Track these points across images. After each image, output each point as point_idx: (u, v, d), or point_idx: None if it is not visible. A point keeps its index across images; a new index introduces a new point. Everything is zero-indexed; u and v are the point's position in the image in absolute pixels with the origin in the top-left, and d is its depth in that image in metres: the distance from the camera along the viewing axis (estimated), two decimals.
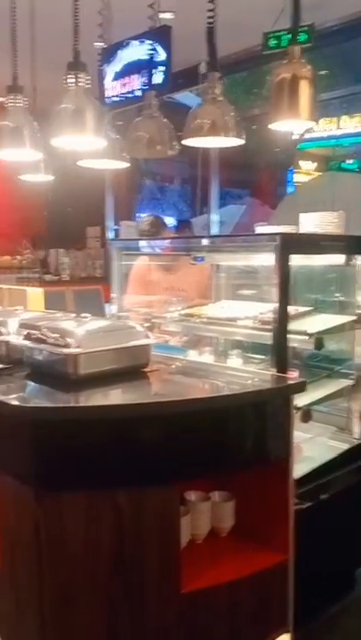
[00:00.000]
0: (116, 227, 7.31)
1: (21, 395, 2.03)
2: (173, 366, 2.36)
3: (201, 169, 7.05)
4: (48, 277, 6.64)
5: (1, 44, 3.94)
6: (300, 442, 2.38)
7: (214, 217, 6.56)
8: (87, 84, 2.21)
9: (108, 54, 4.20)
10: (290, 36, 2.48)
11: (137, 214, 7.18)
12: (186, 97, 5.99)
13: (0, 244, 6.87)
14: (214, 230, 6.42)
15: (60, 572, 1.73)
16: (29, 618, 1.79)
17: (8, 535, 1.87)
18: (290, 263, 2.21)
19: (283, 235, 2.23)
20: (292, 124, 2.57)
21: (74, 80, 2.19)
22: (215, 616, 1.86)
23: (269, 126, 2.43)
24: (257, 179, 9.44)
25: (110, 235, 7.46)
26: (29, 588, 1.79)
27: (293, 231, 2.63)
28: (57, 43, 4.27)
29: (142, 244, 3.26)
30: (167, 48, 3.90)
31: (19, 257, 6.48)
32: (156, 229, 3.69)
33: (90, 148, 2.46)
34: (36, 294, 3.12)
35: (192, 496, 2.03)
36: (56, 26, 4.39)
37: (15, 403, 1.82)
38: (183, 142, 2.57)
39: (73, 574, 1.74)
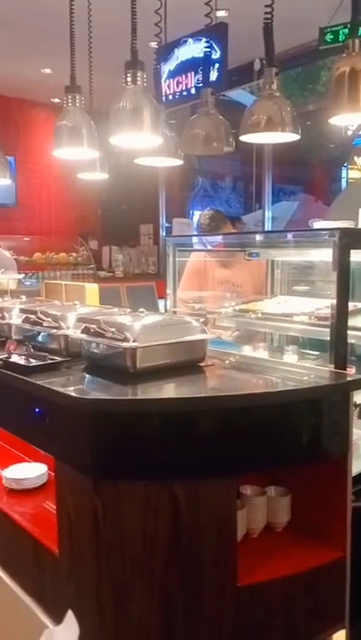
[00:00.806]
0: (168, 224, 7.36)
1: (80, 387, 2.07)
2: (228, 361, 2.36)
3: (254, 166, 7.01)
4: (102, 274, 6.75)
5: (59, 45, 4.09)
6: (359, 439, 2.34)
7: (268, 213, 6.52)
8: (145, 82, 2.24)
9: (164, 53, 4.23)
10: (347, 29, 2.44)
11: (190, 211, 7.21)
12: (238, 95, 5.97)
13: (56, 241, 7.04)
14: (267, 227, 6.38)
15: (117, 561, 1.77)
16: (86, 605, 1.84)
17: (66, 523, 1.92)
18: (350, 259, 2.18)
19: (343, 230, 2.20)
20: (352, 118, 2.53)
21: (132, 79, 2.22)
22: (270, 610, 1.86)
23: (329, 120, 2.40)
24: (310, 175, 9.31)
25: (163, 232, 7.52)
26: (87, 576, 1.83)
27: (352, 227, 2.59)
28: (111, 43, 4.36)
29: (198, 239, 3.28)
30: (223, 45, 3.90)
31: (74, 254, 6.61)
32: (215, 223, 3.69)
33: (147, 145, 2.49)
34: (92, 290, 3.17)
35: (248, 490, 2.04)
36: (110, 27, 4.48)
37: (75, 394, 1.87)
38: (240, 139, 2.56)
39: (130, 564, 1.77)
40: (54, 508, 2.28)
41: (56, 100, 7.62)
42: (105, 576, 1.77)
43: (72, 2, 2.63)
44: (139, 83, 2.22)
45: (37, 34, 5.45)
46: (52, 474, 2.52)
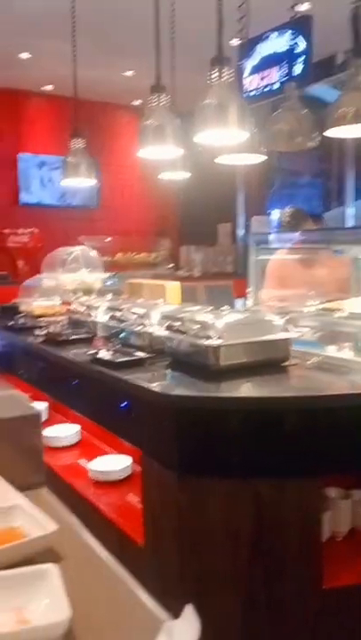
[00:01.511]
0: (247, 223, 7.31)
1: (164, 383, 2.10)
2: (312, 361, 2.32)
3: (335, 162, 6.84)
4: (180, 273, 6.81)
5: (141, 47, 4.16)
6: None
7: (350, 210, 6.34)
8: (230, 78, 2.23)
9: (247, 49, 4.21)
10: None
11: (268, 210, 7.13)
12: (319, 90, 5.84)
13: (137, 241, 7.17)
14: (350, 224, 6.20)
15: (200, 555, 1.78)
16: (169, 597, 1.86)
17: (151, 515, 1.95)
18: None
19: None
20: None
21: (218, 75, 2.22)
22: (356, 615, 1.81)
23: None
24: None
25: (241, 231, 7.48)
26: (170, 568, 1.86)
27: None
28: (193, 43, 4.39)
29: (279, 237, 3.24)
30: (308, 38, 3.83)
31: (154, 254, 6.71)
32: (296, 221, 3.63)
33: (232, 142, 2.48)
34: (173, 288, 3.21)
35: (333, 492, 2.00)
36: (193, 27, 4.51)
37: (159, 390, 1.90)
38: (325, 133, 2.51)
39: (212, 558, 1.78)
40: (138, 500, 2.33)
41: (138, 103, 7.76)
42: (188, 569, 1.79)
43: (157, 3, 2.67)
44: (225, 78, 2.22)
45: (119, 37, 5.57)
46: (136, 467, 2.58)
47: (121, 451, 2.74)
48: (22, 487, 0.74)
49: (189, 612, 0.49)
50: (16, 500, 0.69)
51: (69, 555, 0.63)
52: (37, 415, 0.80)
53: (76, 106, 3.78)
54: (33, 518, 0.64)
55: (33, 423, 0.79)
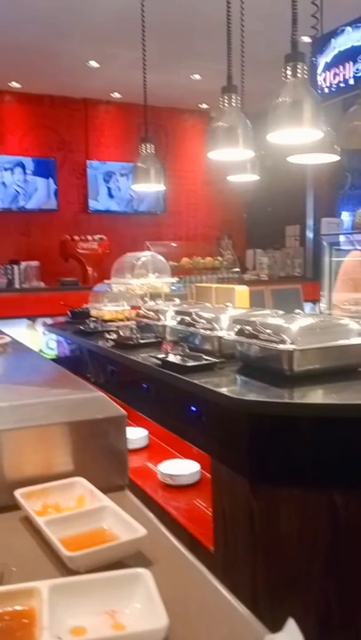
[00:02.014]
0: (315, 225, 7.17)
1: (236, 388, 2.08)
2: None
3: None
4: (247, 277, 6.75)
5: (209, 50, 4.17)
6: None
7: None
8: (305, 74, 2.18)
9: (320, 45, 4.12)
10: None
11: (339, 211, 6.97)
12: None
13: (202, 246, 7.18)
14: None
15: (273, 563, 1.74)
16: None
17: (222, 521, 1.93)
18: None
19: None
20: None
21: (292, 71, 2.17)
22: None
23: None
24: None
25: (310, 233, 7.34)
26: (242, 575, 1.82)
27: None
28: (259, 44, 4.36)
29: (353, 238, 3.15)
30: None
31: (220, 258, 6.68)
32: None
33: (306, 140, 2.42)
34: (242, 292, 3.18)
35: None
36: (257, 27, 4.47)
37: (232, 395, 1.87)
38: None
39: (285, 567, 1.74)
40: (205, 506, 2.31)
41: (204, 106, 7.77)
42: (260, 577, 1.76)
43: (229, 4, 2.65)
44: (299, 75, 2.17)
45: (187, 40, 5.59)
46: (205, 472, 2.57)
47: (188, 456, 2.73)
48: (106, 489, 0.74)
49: (292, 626, 0.46)
50: (104, 502, 0.68)
51: (159, 559, 0.61)
52: (123, 417, 0.79)
53: (145, 111, 3.82)
54: (121, 520, 0.63)
55: (119, 425, 0.79)
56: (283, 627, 0.46)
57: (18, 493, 0.71)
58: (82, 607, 0.48)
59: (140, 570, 0.52)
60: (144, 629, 0.46)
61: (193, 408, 2.14)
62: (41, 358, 1.40)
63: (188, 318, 2.71)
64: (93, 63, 6.26)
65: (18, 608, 0.48)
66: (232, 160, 3.20)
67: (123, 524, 0.63)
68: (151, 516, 0.74)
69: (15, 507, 0.72)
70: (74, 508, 0.70)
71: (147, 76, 3.76)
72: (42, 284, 6.78)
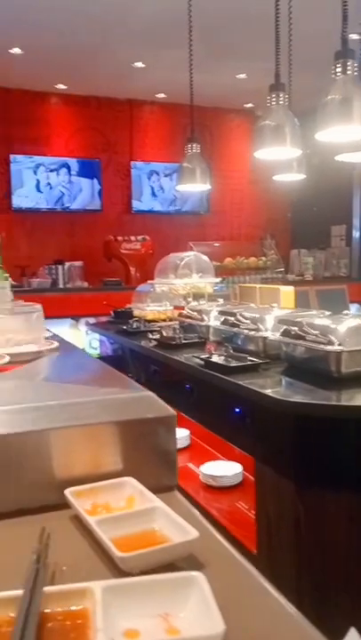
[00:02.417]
0: None
1: (281, 389, 2.05)
2: None
3: None
4: (291, 277, 6.67)
5: (256, 48, 4.14)
6: None
7: None
8: (355, 71, 2.14)
9: None
10: None
11: None
12: None
13: (245, 245, 7.13)
14: None
15: (318, 568, 1.71)
16: None
17: (265, 524, 1.90)
18: None
19: None
20: None
21: (342, 68, 2.13)
22: None
23: None
24: None
25: (356, 233, 7.21)
26: (286, 579, 1.80)
27: None
28: (306, 42, 4.29)
29: None
30: None
31: (263, 258, 6.62)
32: None
33: (357, 138, 2.37)
34: (287, 292, 3.13)
35: None
36: (310, 25, 4.41)
37: (278, 396, 1.85)
38: None
39: (332, 573, 1.70)
40: (247, 508, 2.29)
41: (249, 105, 7.73)
42: (305, 581, 1.72)
43: (278, 2, 2.62)
44: (349, 72, 2.13)
45: (233, 40, 5.57)
46: (247, 474, 2.54)
47: (230, 457, 2.71)
48: (155, 490, 0.73)
49: (354, 636, 0.44)
50: (154, 503, 0.67)
51: (211, 562, 0.60)
52: (173, 417, 0.79)
53: (191, 111, 3.82)
54: (172, 522, 0.62)
55: (168, 425, 0.78)
56: (344, 636, 0.45)
57: (68, 492, 0.71)
58: (135, 609, 0.48)
59: (194, 573, 0.51)
60: (200, 634, 0.45)
61: (237, 409, 2.12)
62: (89, 357, 1.41)
63: (232, 318, 2.69)
64: (139, 64, 6.30)
65: (73, 608, 0.47)
66: (279, 159, 3.16)
67: (174, 525, 0.62)
68: (201, 518, 0.73)
69: (64, 505, 0.72)
70: (123, 507, 0.69)
71: (192, 75, 3.76)
72: (85, 284, 6.86)
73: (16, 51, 5.89)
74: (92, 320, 5.46)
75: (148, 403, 0.80)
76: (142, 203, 7.79)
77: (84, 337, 5.80)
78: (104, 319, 4.66)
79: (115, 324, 4.09)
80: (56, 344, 1.26)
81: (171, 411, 0.79)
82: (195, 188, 3.99)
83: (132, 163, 7.70)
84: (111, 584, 0.50)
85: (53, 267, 6.83)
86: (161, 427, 0.77)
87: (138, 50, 5.91)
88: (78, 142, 7.47)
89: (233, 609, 0.48)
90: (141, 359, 3.28)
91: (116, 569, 0.58)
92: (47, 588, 0.50)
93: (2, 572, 0.57)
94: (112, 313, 4.33)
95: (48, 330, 1.57)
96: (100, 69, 6.41)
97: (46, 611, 0.48)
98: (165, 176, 7.80)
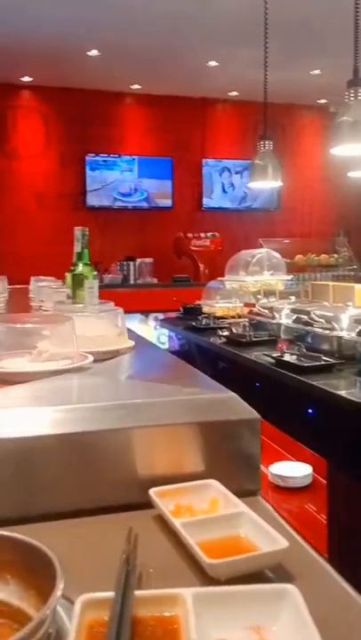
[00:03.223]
0: None
1: (355, 391, 1.99)
2: None
3: None
4: None
5: (331, 44, 4.03)
6: None
7: None
8: None
9: None
10: None
11: None
12: None
13: (316, 242, 6.98)
14: None
15: None
16: None
17: (337, 528, 1.86)
18: None
19: None
20: None
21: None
22: None
23: None
24: None
25: None
26: (359, 587, 1.74)
27: None
28: None
29: None
30: None
31: (335, 255, 6.47)
32: None
33: None
34: None
35: None
36: None
37: (353, 398, 1.80)
38: None
39: None
40: (316, 510, 2.24)
41: (323, 101, 7.56)
42: None
43: None
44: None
45: (308, 36, 5.46)
46: (316, 476, 2.49)
47: (299, 458, 2.66)
48: (238, 494, 0.72)
49: None
50: (240, 508, 0.66)
51: (301, 574, 0.58)
52: (257, 420, 0.77)
53: (265, 109, 3.77)
54: (259, 529, 0.61)
55: (252, 428, 0.77)
56: None
57: (152, 492, 0.71)
58: (226, 619, 0.47)
59: (287, 585, 0.49)
60: None
61: (309, 410, 2.07)
62: (169, 355, 1.41)
63: (305, 317, 2.64)
64: (213, 63, 6.29)
65: (166, 614, 0.47)
66: (356, 155, 3.07)
67: (261, 532, 0.60)
68: (286, 525, 0.71)
69: (146, 504, 0.72)
70: (207, 510, 0.69)
71: (267, 73, 3.71)
72: (155, 281, 6.94)
73: (93, 52, 6.00)
74: (160, 316, 5.51)
75: (233, 404, 0.79)
76: (212, 200, 7.78)
77: (152, 332, 5.86)
78: (173, 315, 4.69)
79: (184, 320, 4.10)
80: (132, 343, 1.27)
81: (255, 414, 0.78)
82: (266, 184, 3.95)
83: (204, 160, 7.70)
84: (202, 592, 0.49)
85: (125, 263, 6.95)
86: (245, 429, 0.76)
87: (212, 49, 5.90)
88: (151, 141, 7.54)
89: (325, 625, 0.46)
90: (210, 356, 3.27)
91: (202, 574, 0.58)
92: (138, 592, 0.50)
93: (89, 570, 0.57)
94: (181, 309, 4.35)
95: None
96: (175, 69, 6.44)
97: (137, 615, 0.47)
98: (236, 173, 7.75)
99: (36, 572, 0.51)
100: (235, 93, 7.40)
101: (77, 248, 1.66)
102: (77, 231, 1.65)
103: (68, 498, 0.75)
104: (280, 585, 0.49)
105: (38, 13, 5.02)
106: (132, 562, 0.56)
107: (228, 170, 7.77)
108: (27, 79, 6.91)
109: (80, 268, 1.64)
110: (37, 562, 0.50)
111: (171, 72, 6.54)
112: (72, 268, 1.66)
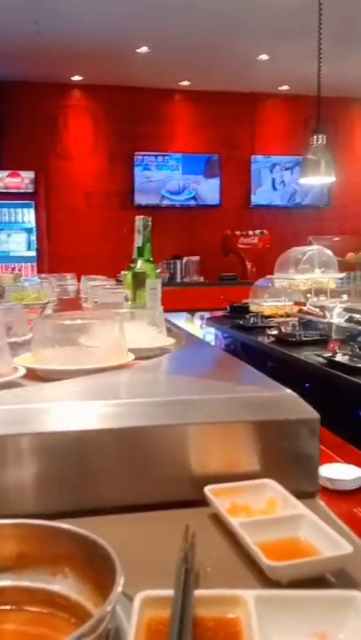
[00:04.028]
0: None
1: None
2: None
3: None
4: None
5: None
6: None
7: None
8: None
9: None
10: None
11: None
12: None
13: None
14: None
15: None
16: None
17: None
18: None
19: None
20: None
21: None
22: None
23: None
24: None
25: None
26: None
27: None
28: None
29: None
30: None
31: None
32: None
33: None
34: None
35: None
36: None
37: None
38: None
39: None
40: None
41: None
42: None
43: None
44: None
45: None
46: None
47: (349, 461, 2.60)
48: (295, 495, 0.70)
49: None
50: (299, 509, 0.64)
51: None
52: (316, 420, 0.75)
53: (318, 102, 3.70)
54: (320, 532, 0.59)
55: (311, 428, 0.75)
56: None
57: (208, 490, 0.70)
58: (289, 625, 0.45)
59: (355, 592, 0.47)
60: None
61: None
62: (221, 352, 1.40)
63: (357, 316, 2.58)
64: (264, 57, 6.22)
65: (229, 616, 0.45)
66: None
67: (322, 535, 0.58)
68: (348, 529, 0.68)
69: (200, 502, 0.71)
70: (264, 510, 0.67)
71: (321, 66, 3.65)
72: (201, 279, 6.93)
73: (143, 49, 6.03)
74: (206, 314, 5.50)
75: (291, 403, 0.77)
76: (261, 197, 7.71)
77: (198, 331, 5.86)
78: (219, 313, 4.67)
79: (230, 318, 4.08)
80: (172, 340, 1.25)
81: (314, 413, 0.76)
82: (319, 180, 3.88)
83: (253, 157, 7.64)
84: (264, 595, 0.47)
85: (171, 261, 6.96)
86: (303, 429, 0.74)
87: (263, 43, 5.84)
88: (199, 138, 7.53)
89: None
90: (257, 355, 3.24)
91: (261, 576, 0.56)
92: (198, 592, 0.49)
93: (144, 566, 0.56)
94: (228, 308, 4.33)
95: (174, 324, 1.57)
96: (224, 64, 6.41)
97: (197, 614, 0.46)
98: (287, 169, 7.66)
99: (95, 566, 0.51)
100: (285, 87, 7.31)
101: (138, 242, 1.40)
102: (139, 221, 1.38)
103: (122, 493, 0.74)
104: (347, 591, 0.47)
105: (88, 12, 5.08)
106: (191, 560, 0.55)
107: (278, 166, 7.68)
108: (77, 78, 7.01)
109: (140, 264, 1.40)
110: (96, 556, 0.50)
111: (220, 67, 6.51)
112: (131, 265, 1.42)
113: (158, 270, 1.37)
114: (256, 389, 0.83)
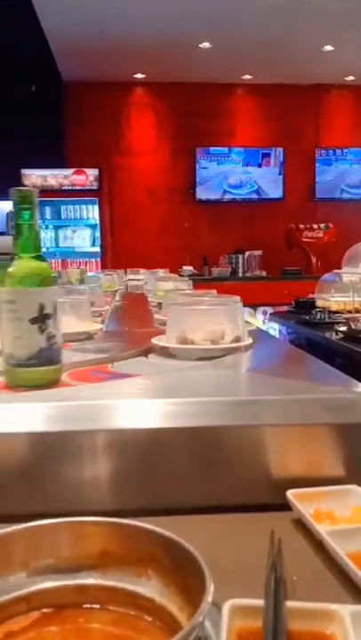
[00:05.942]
0: None
1: None
2: None
3: None
4: None
5: None
6: None
7: None
8: None
9: None
10: None
11: None
12: None
13: None
14: None
15: None
16: None
17: None
18: None
19: None
20: None
21: None
22: None
23: None
24: None
25: None
26: None
27: None
28: None
29: None
30: None
31: None
32: None
33: None
34: None
35: None
36: None
37: None
38: None
39: None
40: None
41: None
42: None
43: None
44: None
45: None
46: None
47: None
48: None
49: None
50: None
51: None
52: None
53: None
54: None
55: None
56: None
57: (290, 494, 0.68)
58: None
59: None
60: None
61: None
62: (297, 350, 1.36)
63: None
64: (328, 47, 6.08)
65: (325, 631, 0.43)
66: None
67: None
68: None
69: (281, 506, 0.69)
70: (350, 518, 0.64)
71: None
72: (263, 273, 6.85)
73: (205, 45, 6.00)
74: (269, 309, 5.42)
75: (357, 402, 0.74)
76: (325, 190, 7.55)
77: (261, 326, 5.79)
78: (282, 309, 4.60)
79: (295, 314, 4.00)
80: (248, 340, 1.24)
81: None
82: None
83: (317, 150, 7.48)
84: (360, 611, 0.45)
85: (233, 256, 6.92)
86: None
87: (327, 33, 5.70)
88: (261, 131, 7.44)
89: None
90: (324, 352, 3.16)
91: (353, 588, 0.54)
92: (290, 603, 0.47)
93: (228, 571, 0.55)
94: (293, 303, 4.25)
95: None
96: (287, 56, 6.30)
97: (290, 627, 0.44)
98: (354, 162, 7.47)
99: (180, 570, 0.49)
100: (351, 78, 7.11)
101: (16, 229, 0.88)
102: (15, 194, 0.86)
103: (198, 492, 0.73)
104: None
105: (149, 11, 5.09)
106: (280, 569, 0.53)
107: (345, 158, 7.49)
108: (139, 76, 7.06)
109: (21, 265, 0.89)
110: (182, 559, 0.49)
111: (283, 60, 6.40)
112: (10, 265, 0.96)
113: (54, 274, 0.90)
114: (339, 390, 0.80)
